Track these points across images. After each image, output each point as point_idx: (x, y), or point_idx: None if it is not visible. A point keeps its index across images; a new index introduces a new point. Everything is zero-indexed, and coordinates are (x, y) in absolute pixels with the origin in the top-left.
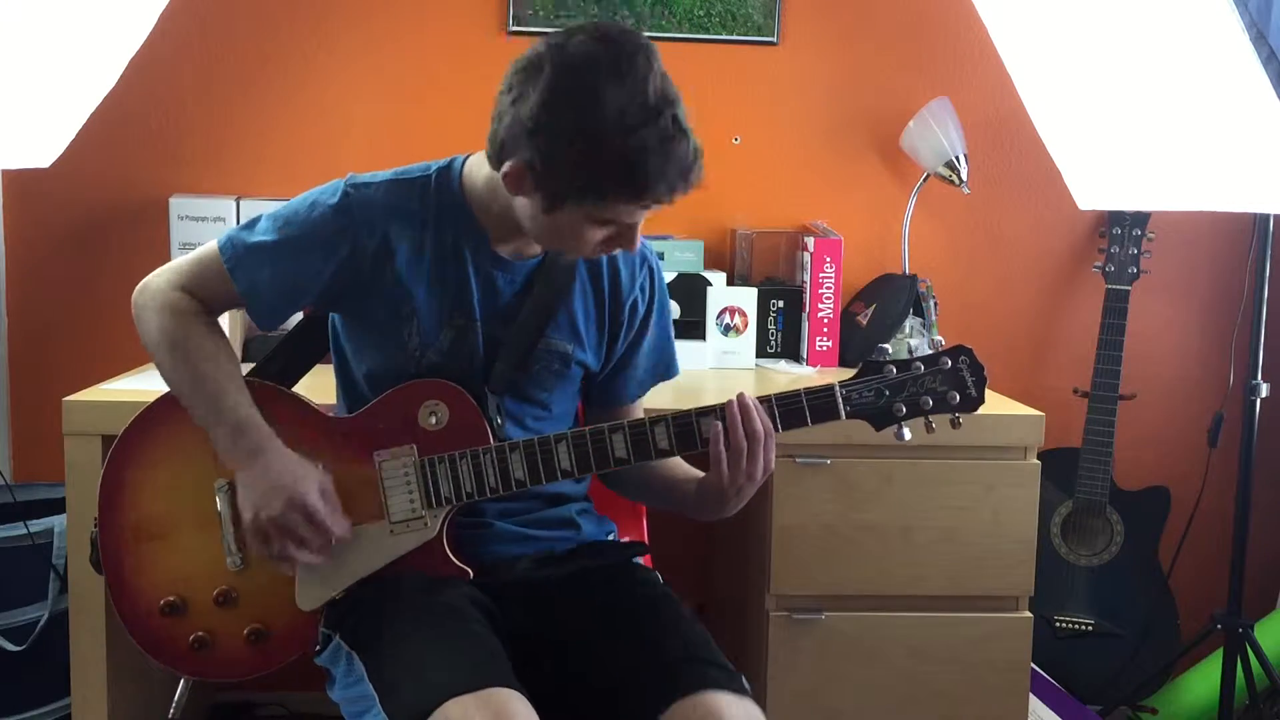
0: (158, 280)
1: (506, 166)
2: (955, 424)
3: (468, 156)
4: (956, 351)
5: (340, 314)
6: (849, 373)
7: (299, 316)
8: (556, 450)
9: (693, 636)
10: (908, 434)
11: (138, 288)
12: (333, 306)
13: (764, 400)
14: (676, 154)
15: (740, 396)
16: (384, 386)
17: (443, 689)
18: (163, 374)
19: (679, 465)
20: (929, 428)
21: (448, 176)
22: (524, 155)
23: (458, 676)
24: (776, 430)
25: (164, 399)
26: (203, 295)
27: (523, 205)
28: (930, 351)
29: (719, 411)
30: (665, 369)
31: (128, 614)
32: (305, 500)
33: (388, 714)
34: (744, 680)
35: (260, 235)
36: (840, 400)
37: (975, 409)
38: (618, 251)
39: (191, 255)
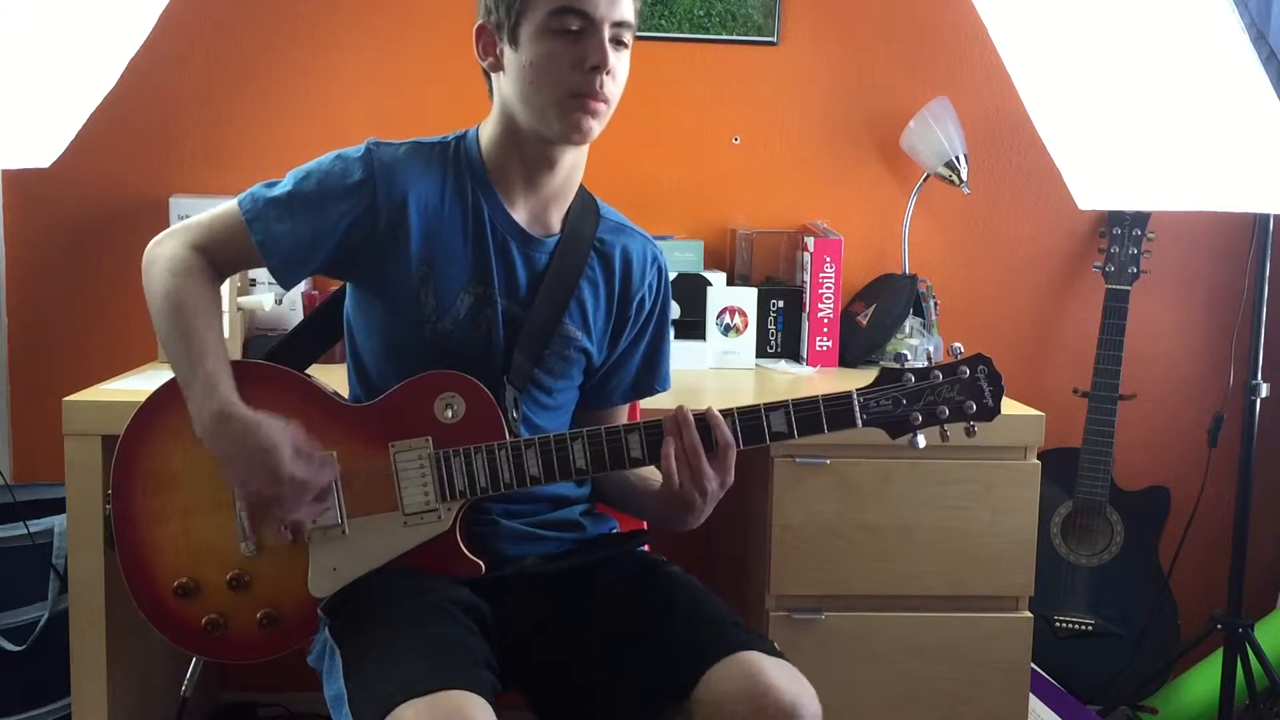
0: (171, 239)
1: (475, 32)
2: (970, 432)
3: (480, 126)
4: (975, 361)
5: (354, 279)
6: (852, 374)
7: (301, 301)
8: (572, 448)
9: (721, 606)
10: (922, 441)
11: (151, 242)
12: (348, 268)
13: (726, 413)
14: None
15: (679, 409)
16: (397, 359)
17: (399, 692)
18: (156, 327)
19: (655, 476)
20: (944, 436)
21: (464, 142)
22: (480, 10)
23: (416, 679)
24: (739, 445)
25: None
26: (215, 253)
27: (506, 84)
28: (947, 360)
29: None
30: (659, 381)
31: (141, 595)
32: (281, 472)
33: (353, 714)
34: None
35: (281, 189)
36: (858, 409)
37: (992, 419)
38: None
39: (209, 213)
